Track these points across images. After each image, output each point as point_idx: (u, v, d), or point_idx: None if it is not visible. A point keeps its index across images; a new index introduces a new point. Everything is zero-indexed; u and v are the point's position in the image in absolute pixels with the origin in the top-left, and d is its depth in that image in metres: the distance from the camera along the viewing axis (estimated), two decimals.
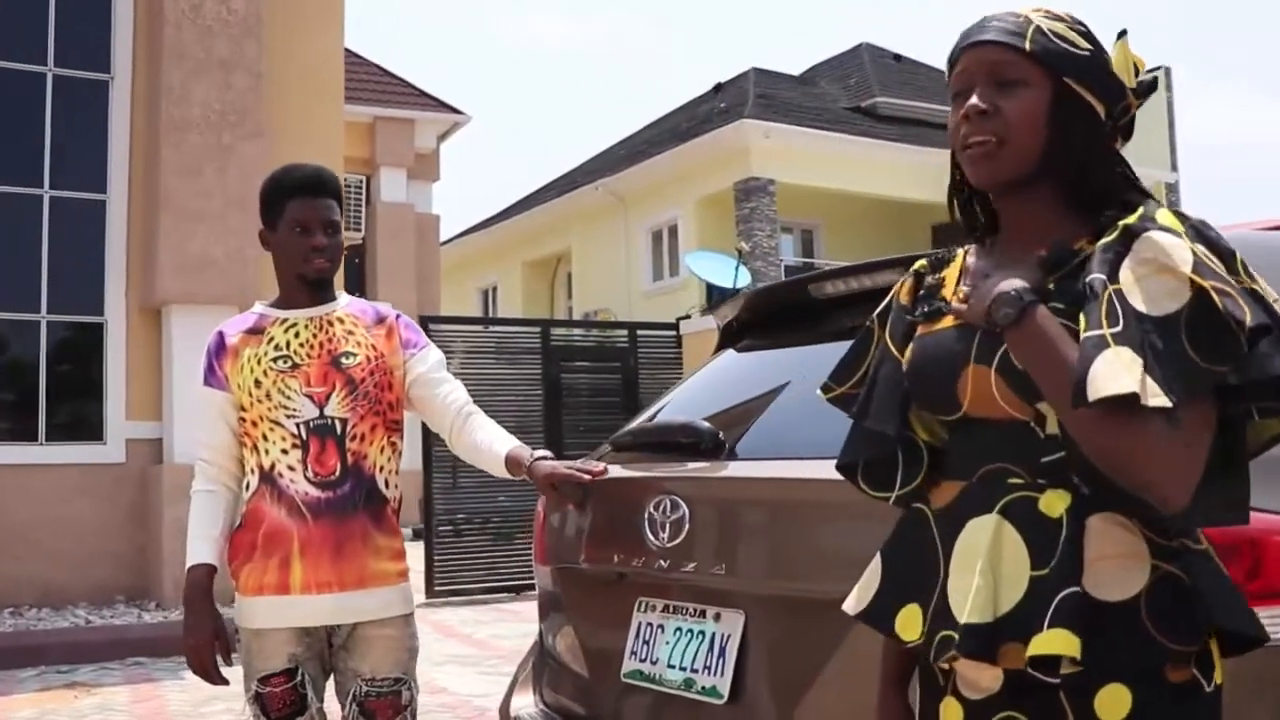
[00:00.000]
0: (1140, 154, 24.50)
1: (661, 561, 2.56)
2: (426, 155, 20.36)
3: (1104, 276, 1.53)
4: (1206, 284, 1.47)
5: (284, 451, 2.82)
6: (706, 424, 2.67)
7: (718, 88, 29.18)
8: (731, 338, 3.36)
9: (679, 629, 2.56)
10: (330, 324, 2.94)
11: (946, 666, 1.66)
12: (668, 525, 2.55)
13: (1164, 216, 1.57)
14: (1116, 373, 1.43)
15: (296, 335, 2.90)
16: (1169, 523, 1.56)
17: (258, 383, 2.85)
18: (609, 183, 26.45)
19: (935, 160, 25.22)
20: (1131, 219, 1.58)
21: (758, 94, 25.81)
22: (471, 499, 12.38)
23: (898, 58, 31.24)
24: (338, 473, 2.82)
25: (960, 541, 1.62)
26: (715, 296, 14.32)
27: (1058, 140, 1.67)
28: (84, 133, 10.25)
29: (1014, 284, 1.57)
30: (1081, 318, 1.51)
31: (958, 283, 1.78)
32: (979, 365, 1.63)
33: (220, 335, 2.96)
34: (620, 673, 2.67)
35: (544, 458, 2.87)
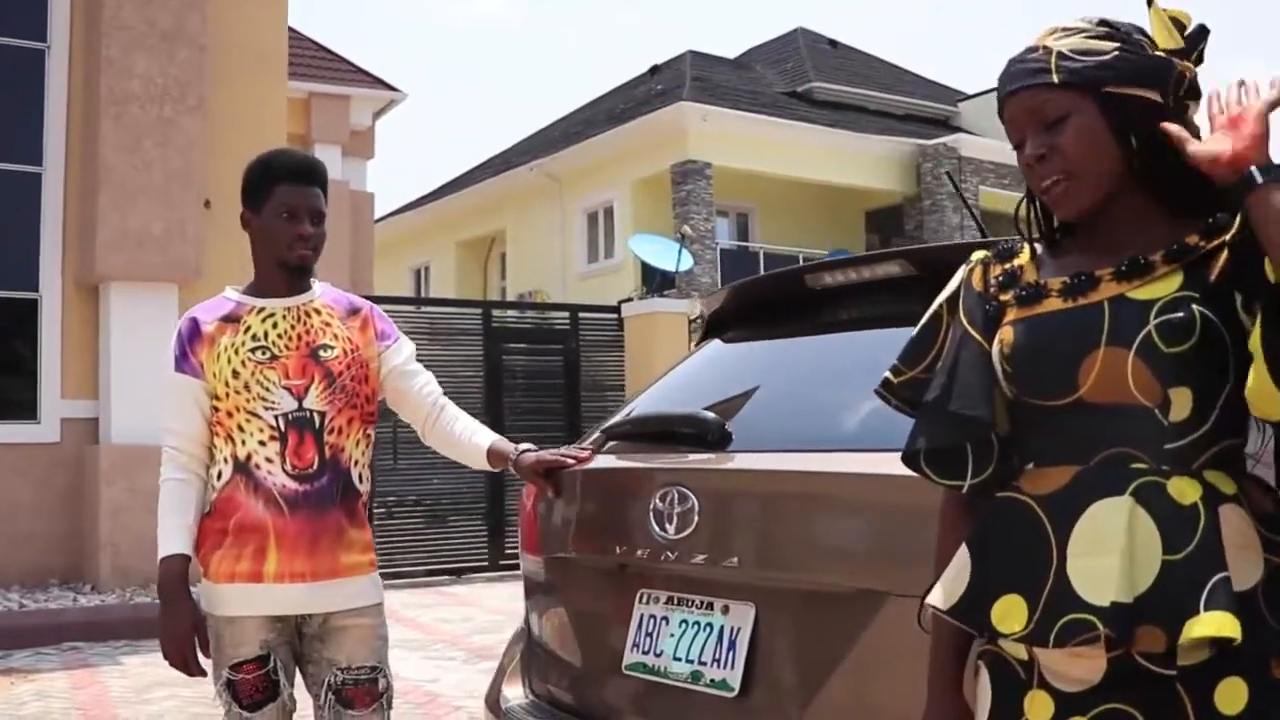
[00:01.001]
0: None
1: (669, 553, 2.52)
2: (361, 132, 20.07)
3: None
4: None
5: (261, 443, 2.77)
6: (712, 415, 2.64)
7: (654, 70, 29.15)
8: (716, 329, 3.33)
9: (684, 621, 2.53)
10: (308, 315, 2.89)
11: (1027, 657, 1.66)
12: (675, 517, 2.52)
13: None
14: None
15: (274, 326, 2.84)
16: (1271, 520, 1.62)
17: (235, 373, 2.79)
18: (545, 163, 26.32)
19: (869, 146, 25.43)
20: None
21: (694, 77, 25.81)
22: (406, 482, 12.30)
23: (833, 43, 31.39)
24: (315, 465, 2.79)
25: (1084, 524, 1.61)
26: (656, 279, 14.30)
27: (1128, 147, 1.69)
28: (18, 103, 9.99)
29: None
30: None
31: (1037, 271, 1.79)
32: (1114, 347, 1.62)
33: (194, 321, 2.87)
34: (622, 665, 2.64)
35: (528, 449, 2.92)
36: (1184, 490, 1.58)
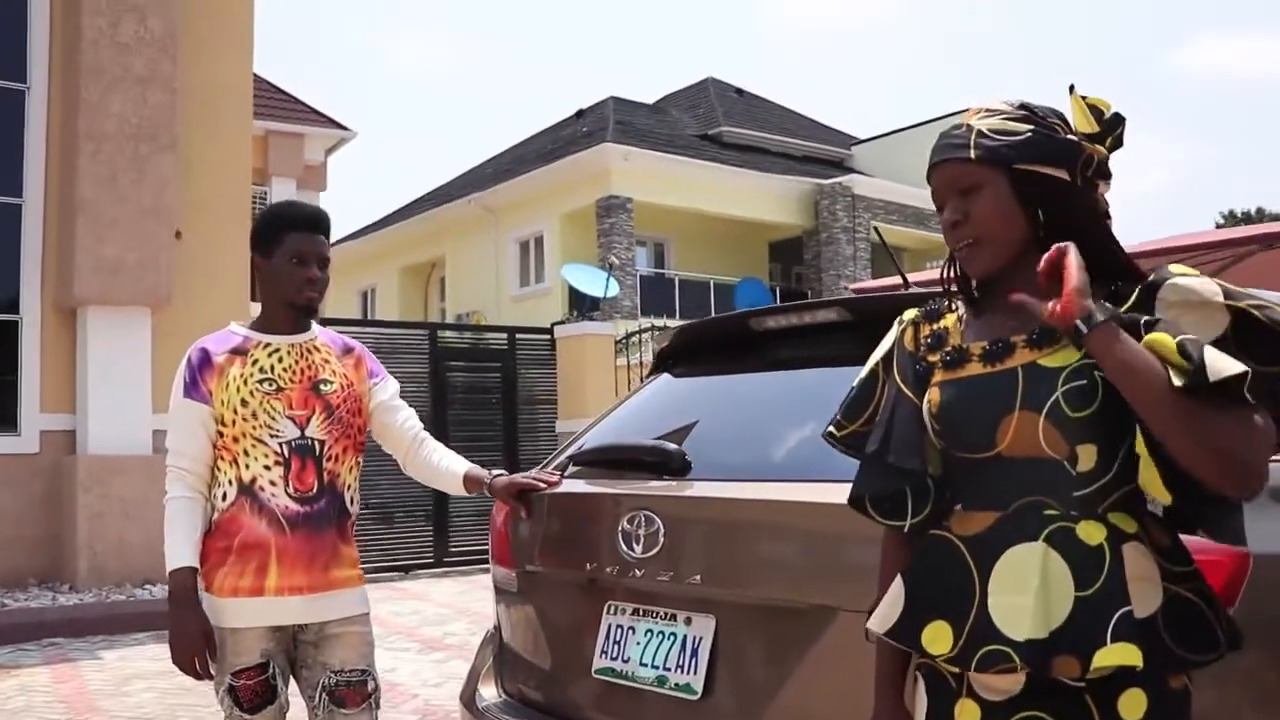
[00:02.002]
0: None
1: (636, 571, 2.55)
2: (315, 167, 19.86)
3: (1153, 317, 1.61)
4: (1242, 304, 1.58)
5: (266, 467, 2.78)
6: (674, 445, 2.67)
7: (580, 113, 29.18)
8: (665, 364, 3.36)
9: (650, 630, 2.56)
10: (309, 351, 2.91)
11: (957, 670, 1.71)
12: (642, 538, 2.55)
13: (1176, 269, 1.66)
14: (1227, 361, 1.51)
15: (280, 360, 2.85)
16: (1168, 552, 1.67)
17: (244, 402, 2.79)
18: (481, 196, 26.23)
19: (773, 184, 25.67)
20: (1149, 279, 1.67)
21: (617, 120, 25.89)
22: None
23: (740, 91, 31.66)
24: (315, 489, 2.81)
25: (1002, 566, 1.66)
26: (586, 304, 14.31)
27: (1034, 218, 1.74)
28: (0, 137, 9.76)
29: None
30: (1160, 334, 1.57)
31: (962, 334, 1.82)
32: (1027, 411, 1.67)
33: (205, 351, 2.86)
34: (591, 669, 2.66)
35: (500, 474, 2.96)
36: (1091, 533, 1.63)
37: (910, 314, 1.93)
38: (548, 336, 13.66)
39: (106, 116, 9.48)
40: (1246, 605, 1.97)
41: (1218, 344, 1.56)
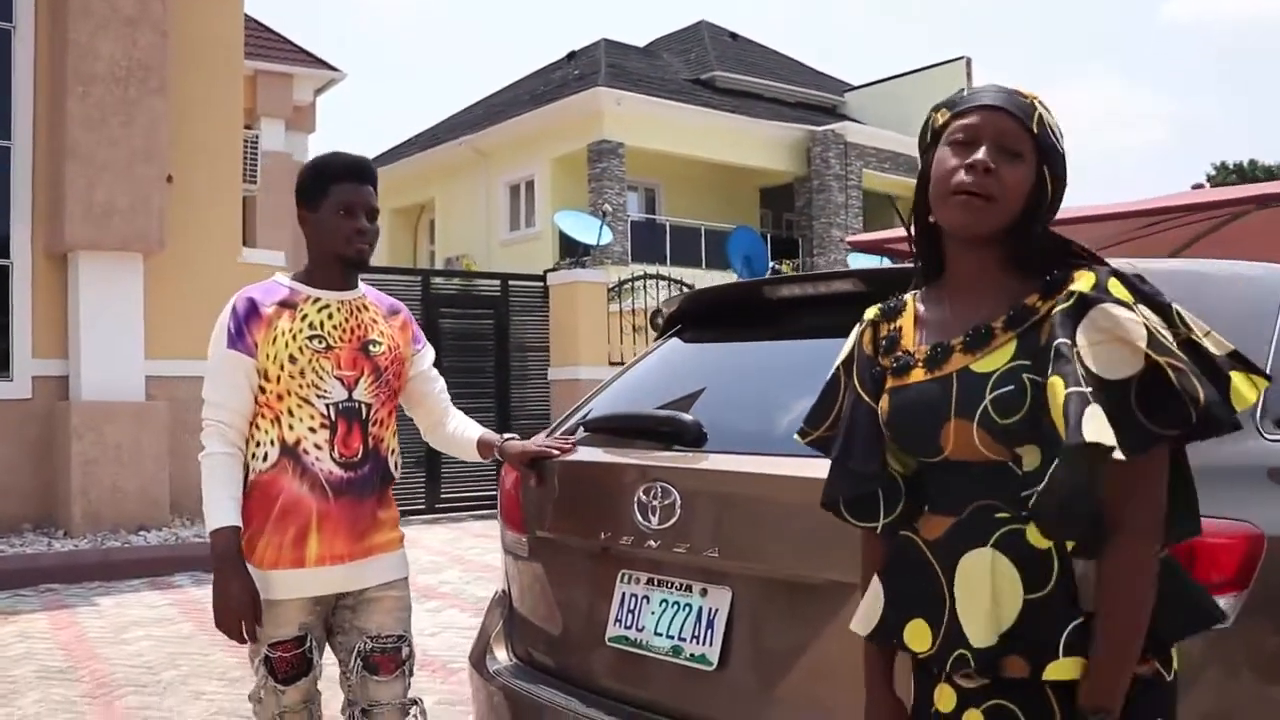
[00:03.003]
0: None
1: (651, 542, 2.55)
2: (303, 108, 19.66)
3: (1069, 341, 1.58)
4: (1161, 360, 1.55)
5: (311, 430, 2.69)
6: (690, 416, 2.67)
7: (571, 55, 28.89)
8: (674, 328, 3.35)
9: (664, 601, 2.57)
10: (359, 310, 2.83)
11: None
12: (658, 509, 2.55)
13: (1115, 288, 1.62)
14: (1102, 427, 1.49)
15: (330, 317, 2.76)
16: None
17: (293, 358, 2.69)
18: (471, 139, 26.03)
19: (765, 130, 25.52)
20: (1084, 287, 1.62)
21: (609, 64, 25.65)
22: None
23: (734, 35, 31.36)
24: (360, 455, 2.73)
25: (961, 571, 1.68)
26: (579, 250, 14.25)
27: (1028, 210, 1.72)
28: None
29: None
30: (1057, 379, 1.55)
31: (915, 332, 1.82)
32: (961, 420, 1.67)
33: (252, 301, 2.75)
34: (605, 636, 2.67)
35: (511, 438, 2.94)
36: (1039, 535, 1.63)
37: (871, 312, 1.92)
38: (540, 283, 13.62)
39: (96, 58, 9.37)
40: (1261, 587, 1.99)
41: (1122, 385, 1.54)
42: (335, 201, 2.72)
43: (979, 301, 1.73)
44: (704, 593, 2.50)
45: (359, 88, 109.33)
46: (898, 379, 1.78)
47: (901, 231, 8.74)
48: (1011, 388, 1.62)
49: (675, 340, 3.28)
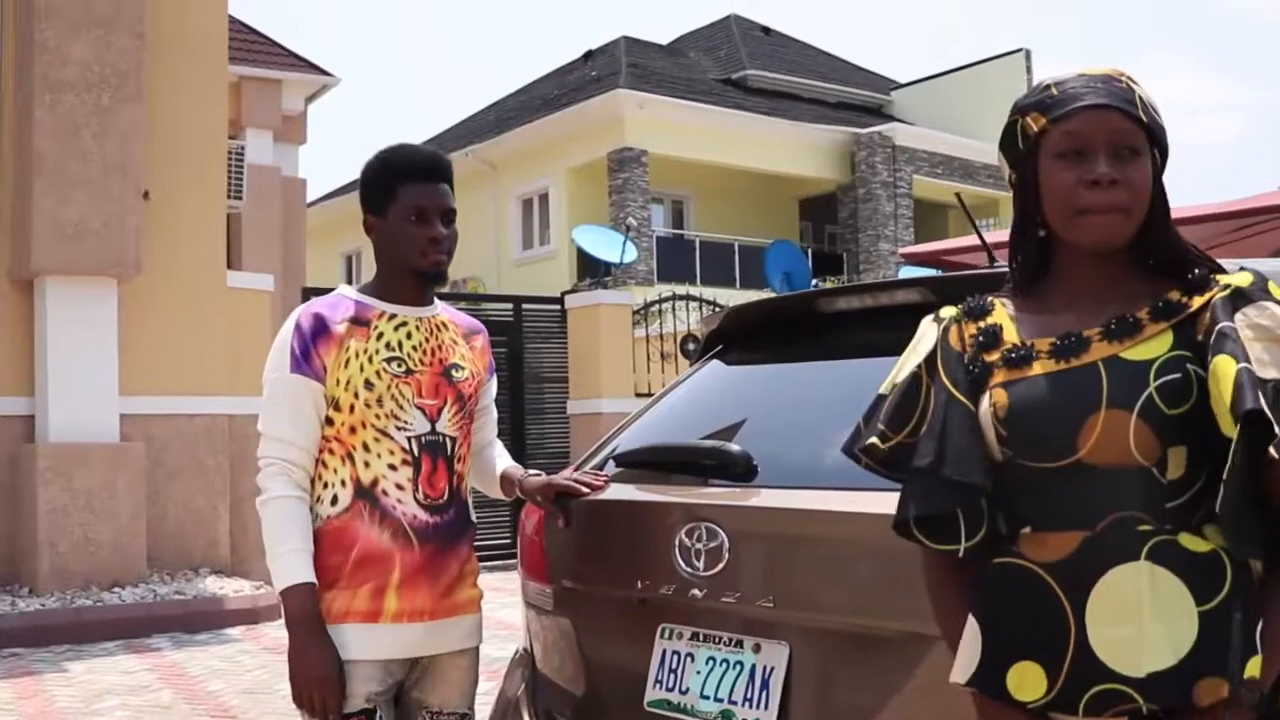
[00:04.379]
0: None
1: (697, 590, 2.48)
2: (294, 118, 19.78)
3: (1233, 324, 1.63)
4: None
5: (392, 467, 2.58)
6: (738, 447, 2.60)
7: (588, 55, 29.05)
8: (714, 350, 3.29)
9: (711, 659, 2.49)
10: (439, 329, 2.73)
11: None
12: (703, 553, 2.47)
13: (1275, 289, 1.68)
14: (1270, 408, 1.54)
15: (409, 336, 2.66)
16: None
17: (369, 384, 2.58)
18: (479, 149, 26.16)
19: (803, 134, 25.54)
20: (1242, 283, 1.69)
21: (629, 63, 25.78)
22: None
23: (766, 30, 31.51)
24: (446, 496, 2.64)
25: (1100, 594, 1.63)
26: (601, 270, 14.24)
27: (1153, 208, 1.76)
28: None
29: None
30: (1226, 358, 1.59)
31: (1017, 331, 1.82)
32: (1116, 410, 1.65)
33: (320, 317, 2.62)
34: (644, 701, 2.59)
35: (535, 474, 2.86)
36: (1197, 542, 1.62)
37: (949, 311, 1.92)
38: (558, 306, 13.62)
39: (66, 62, 9.42)
40: None
41: (1276, 386, 1.57)
42: (405, 205, 2.61)
43: (1098, 303, 1.76)
44: (757, 648, 2.42)
45: (355, 94, 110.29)
46: (1014, 371, 1.75)
47: (961, 241, 8.69)
48: (1178, 375, 1.63)
49: (716, 363, 3.21)
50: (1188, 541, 1.62)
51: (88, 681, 7.12)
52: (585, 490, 2.77)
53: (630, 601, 2.70)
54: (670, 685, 2.56)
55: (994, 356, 1.79)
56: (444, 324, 2.75)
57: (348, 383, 2.57)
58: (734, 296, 18.50)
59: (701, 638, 2.54)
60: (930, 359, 1.87)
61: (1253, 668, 1.56)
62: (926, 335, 1.91)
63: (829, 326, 2.93)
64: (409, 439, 2.59)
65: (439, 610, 2.62)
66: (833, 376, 2.88)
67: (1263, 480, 1.59)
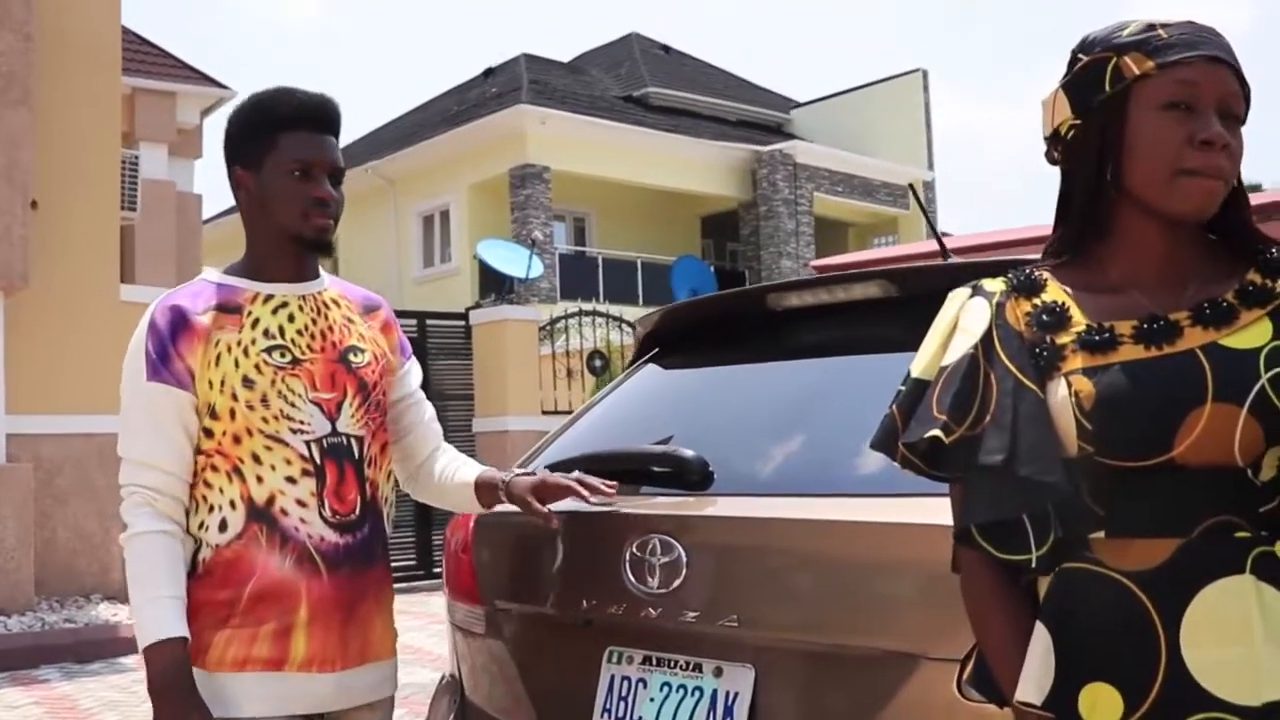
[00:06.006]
0: (900, 153, 25.26)
1: (651, 609, 2.25)
2: (189, 131, 19.19)
3: None
4: None
5: (290, 480, 2.16)
6: (692, 452, 2.38)
7: (488, 72, 28.77)
8: (648, 351, 3.08)
9: (667, 684, 2.26)
10: (327, 306, 2.30)
11: None
12: (657, 569, 2.24)
13: None
14: None
15: (290, 319, 2.23)
16: None
17: (248, 381, 2.15)
18: (378, 165, 25.72)
19: (705, 151, 25.49)
20: None
21: (531, 80, 25.55)
22: None
23: (666, 49, 31.50)
24: (358, 510, 2.22)
25: (1200, 608, 1.43)
26: (506, 285, 13.98)
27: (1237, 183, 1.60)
28: None
29: None
30: None
31: (1081, 310, 1.59)
32: (1223, 404, 1.44)
33: (178, 310, 2.18)
34: None
35: (524, 474, 2.40)
36: None
37: (996, 285, 1.67)
38: (462, 323, 13.34)
39: None
40: None
41: None
42: (287, 158, 2.20)
43: (1169, 282, 1.57)
44: (718, 673, 2.20)
45: None
46: (1096, 356, 1.52)
47: (874, 253, 8.57)
48: None
49: (651, 366, 3.01)
50: None
51: (50, 709, 6.69)
52: (588, 495, 2.30)
53: (573, 623, 2.47)
54: (620, 714, 2.32)
55: (1065, 338, 1.56)
56: (333, 300, 2.33)
57: (222, 383, 2.15)
58: (638, 313, 18.29)
59: (655, 661, 2.31)
60: (987, 338, 1.60)
61: None
62: (973, 310, 1.64)
63: (774, 324, 2.75)
64: (307, 444, 2.17)
65: (350, 656, 2.21)
66: (780, 376, 2.69)
67: None
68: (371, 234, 26.18)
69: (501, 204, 23.52)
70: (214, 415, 2.16)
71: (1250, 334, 1.48)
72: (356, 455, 2.23)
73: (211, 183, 68.35)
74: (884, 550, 2.02)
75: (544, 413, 12.94)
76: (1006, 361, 1.57)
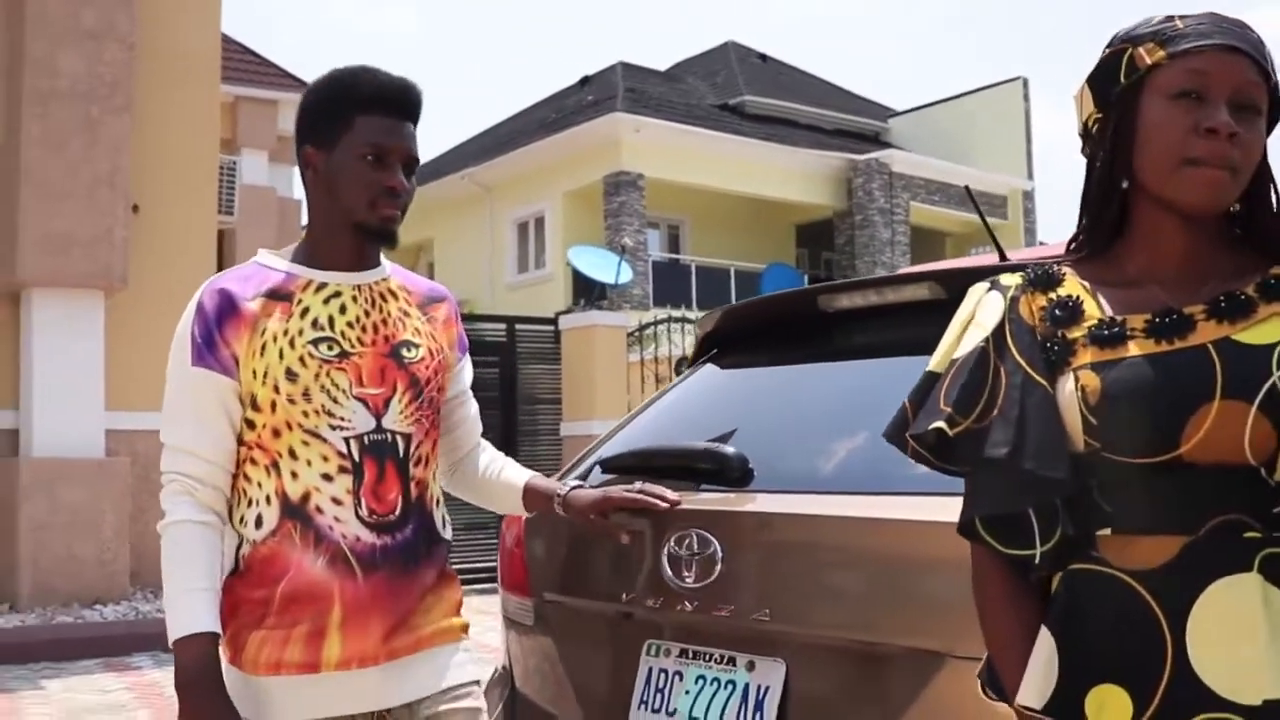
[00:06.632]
0: (999, 162, 24.80)
1: (687, 603, 2.29)
2: (289, 138, 19.59)
3: None
4: None
5: (326, 477, 2.06)
6: (733, 449, 2.41)
7: (585, 81, 28.97)
8: (708, 351, 3.12)
9: (701, 677, 2.30)
10: (384, 297, 2.20)
11: None
12: (694, 563, 2.29)
13: None
14: None
15: (342, 310, 2.13)
16: None
17: (292, 374, 2.06)
18: (475, 172, 26.02)
19: (800, 160, 25.43)
20: None
21: (627, 88, 25.67)
22: None
23: (764, 57, 31.45)
24: (399, 510, 2.11)
25: (1206, 606, 1.41)
26: (595, 291, 14.07)
27: (1257, 176, 1.55)
28: None
29: None
30: None
31: (1098, 304, 1.58)
32: (1232, 400, 1.42)
33: (226, 295, 2.09)
34: None
35: (579, 486, 2.39)
36: None
37: (1013, 279, 1.67)
38: (551, 328, 13.44)
39: (55, 74, 9.28)
40: None
41: None
42: (361, 141, 2.10)
43: (1189, 276, 1.54)
44: (750, 666, 2.23)
45: None
46: (1106, 350, 1.51)
47: (961, 262, 8.51)
48: None
49: (709, 366, 3.05)
50: None
51: (64, 700, 6.91)
52: (662, 505, 2.31)
53: (614, 616, 2.52)
54: (657, 706, 2.37)
55: (1077, 333, 1.55)
56: (391, 291, 2.22)
57: (265, 374, 2.07)
58: None
59: (690, 654, 2.35)
60: (998, 332, 1.61)
61: None
62: (988, 304, 1.65)
63: (829, 325, 2.76)
64: (346, 439, 2.08)
65: (398, 649, 2.11)
66: (833, 377, 2.71)
67: None
68: (467, 240, 26.51)
69: (596, 211, 23.67)
70: (256, 406, 2.08)
71: (1266, 329, 1.46)
72: (401, 453, 2.13)
73: None
74: (912, 547, 2.04)
75: None
76: (1017, 355, 1.57)
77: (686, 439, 2.70)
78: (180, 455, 2.09)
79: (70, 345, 9.38)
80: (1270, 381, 1.42)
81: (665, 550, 2.34)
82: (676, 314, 14.66)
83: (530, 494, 2.39)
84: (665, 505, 2.30)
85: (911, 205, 26.12)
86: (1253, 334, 1.46)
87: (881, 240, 25.68)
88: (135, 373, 9.58)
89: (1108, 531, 1.50)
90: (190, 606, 2.01)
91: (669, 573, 2.33)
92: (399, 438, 2.13)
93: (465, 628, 2.24)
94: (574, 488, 2.36)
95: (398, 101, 2.14)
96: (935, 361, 1.66)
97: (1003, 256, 3.00)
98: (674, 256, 25.65)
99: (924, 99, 29.61)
